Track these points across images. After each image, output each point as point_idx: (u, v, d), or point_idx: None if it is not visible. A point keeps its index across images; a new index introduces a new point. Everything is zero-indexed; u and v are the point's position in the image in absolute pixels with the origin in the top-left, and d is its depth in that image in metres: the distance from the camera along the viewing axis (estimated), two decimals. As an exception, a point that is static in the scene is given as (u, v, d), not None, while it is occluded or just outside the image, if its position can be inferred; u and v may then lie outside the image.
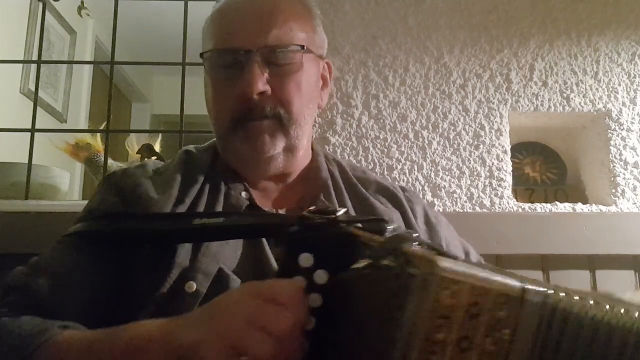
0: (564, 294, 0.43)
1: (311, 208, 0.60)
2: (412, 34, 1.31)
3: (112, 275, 0.73)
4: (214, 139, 0.91)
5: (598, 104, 1.30)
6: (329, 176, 0.88)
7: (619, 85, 1.31)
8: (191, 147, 0.92)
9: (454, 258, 0.46)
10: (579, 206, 1.26)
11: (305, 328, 0.49)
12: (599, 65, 1.32)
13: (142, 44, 3.53)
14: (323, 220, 0.56)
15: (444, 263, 0.39)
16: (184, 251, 0.72)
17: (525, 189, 1.38)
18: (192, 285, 0.69)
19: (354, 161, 1.25)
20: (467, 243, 0.95)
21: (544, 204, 1.26)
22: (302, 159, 0.89)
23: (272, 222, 0.70)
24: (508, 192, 1.26)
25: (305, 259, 0.52)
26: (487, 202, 1.25)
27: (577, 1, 1.33)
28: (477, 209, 1.25)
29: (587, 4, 1.33)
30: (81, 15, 2.83)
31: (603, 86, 1.31)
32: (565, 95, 1.30)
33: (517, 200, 1.29)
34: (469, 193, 1.25)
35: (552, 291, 0.42)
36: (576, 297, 0.43)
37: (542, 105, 1.30)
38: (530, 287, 0.41)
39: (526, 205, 1.26)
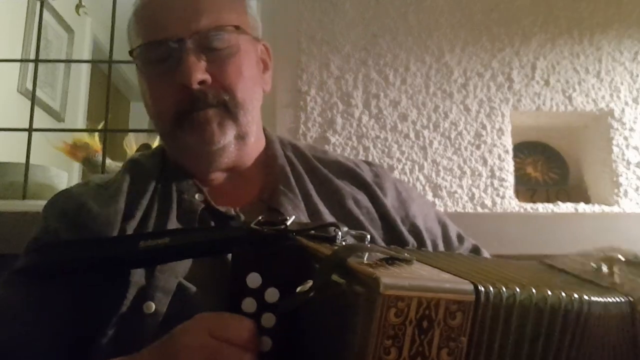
0: (517, 288, 0.41)
1: (260, 218, 0.58)
2: (412, 33, 1.30)
3: (66, 306, 0.69)
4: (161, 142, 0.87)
5: (600, 103, 1.30)
6: (286, 162, 0.83)
7: (622, 84, 1.30)
8: (137, 155, 0.87)
9: (408, 261, 0.43)
10: (581, 206, 1.26)
11: (263, 350, 0.48)
12: (601, 64, 1.31)
13: (140, 42, 3.52)
14: (272, 232, 0.54)
15: (387, 279, 0.37)
16: (139, 269, 0.68)
17: (527, 189, 1.37)
18: (151, 306, 0.64)
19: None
20: (444, 216, 0.91)
21: (546, 204, 1.26)
22: (255, 147, 0.84)
23: (220, 238, 0.65)
24: (510, 192, 1.25)
25: (253, 280, 0.50)
26: (488, 202, 1.24)
27: (579, 0, 1.32)
28: (479, 209, 1.24)
29: (589, 3, 1.32)
30: (79, 14, 2.83)
31: (605, 85, 1.30)
32: (567, 94, 1.29)
33: (518, 201, 1.28)
34: (470, 193, 1.25)
35: (505, 288, 0.41)
36: (534, 290, 0.42)
37: (544, 104, 1.29)
38: (483, 287, 0.39)
39: (528, 206, 1.25)
